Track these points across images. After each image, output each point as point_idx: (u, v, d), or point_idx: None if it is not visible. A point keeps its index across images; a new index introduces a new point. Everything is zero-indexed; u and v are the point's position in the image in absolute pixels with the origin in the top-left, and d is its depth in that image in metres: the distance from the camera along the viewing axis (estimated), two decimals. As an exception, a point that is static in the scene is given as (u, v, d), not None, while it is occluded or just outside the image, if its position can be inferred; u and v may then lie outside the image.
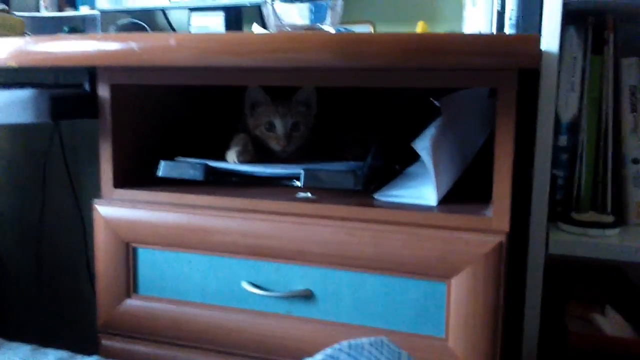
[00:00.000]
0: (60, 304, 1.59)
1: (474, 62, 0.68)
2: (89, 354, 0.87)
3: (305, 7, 0.86)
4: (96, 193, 1.01)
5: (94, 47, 0.78)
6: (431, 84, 0.80)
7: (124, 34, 0.77)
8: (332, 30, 0.86)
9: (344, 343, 0.59)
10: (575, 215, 1.04)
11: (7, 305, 1.59)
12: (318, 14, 0.88)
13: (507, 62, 0.67)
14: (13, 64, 0.82)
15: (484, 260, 0.80)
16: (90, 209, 1.00)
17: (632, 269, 1.18)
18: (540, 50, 0.67)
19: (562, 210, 1.09)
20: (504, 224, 0.81)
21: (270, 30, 0.88)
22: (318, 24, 0.83)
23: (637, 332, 1.03)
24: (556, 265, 1.02)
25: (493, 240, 0.80)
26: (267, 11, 0.84)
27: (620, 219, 1.05)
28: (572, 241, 1.00)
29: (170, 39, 0.73)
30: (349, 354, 0.58)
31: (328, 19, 0.83)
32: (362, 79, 0.83)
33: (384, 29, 1.32)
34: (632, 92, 1.06)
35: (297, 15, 0.88)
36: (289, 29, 0.81)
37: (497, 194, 0.81)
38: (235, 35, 0.72)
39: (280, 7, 0.86)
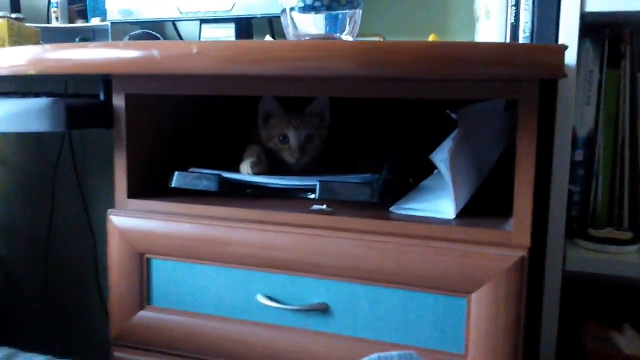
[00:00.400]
0: (69, 315, 1.58)
1: (498, 72, 0.67)
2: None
3: (321, 18, 0.86)
4: (106, 203, 1.00)
5: (114, 55, 0.78)
6: (452, 95, 0.79)
7: (145, 42, 0.77)
8: (352, 40, 0.86)
9: (374, 356, 0.58)
10: (593, 232, 1.03)
11: (16, 316, 1.58)
12: (333, 24, 0.87)
13: (532, 73, 0.67)
14: (32, 71, 0.82)
15: (505, 276, 0.79)
16: (99, 218, 0.99)
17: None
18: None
19: (578, 226, 1.08)
20: (525, 239, 0.80)
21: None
22: (337, 34, 0.82)
23: (655, 350, 1.02)
24: (570, 282, 1.01)
25: (514, 255, 0.78)
26: (285, 21, 0.84)
27: (638, 235, 1.04)
28: (590, 258, 0.98)
29: (193, 47, 0.73)
30: (378, 367, 0.56)
31: (347, 29, 0.82)
32: (381, 90, 0.82)
33: (395, 42, 1.31)
34: (649, 106, 1.05)
35: (312, 26, 0.87)
36: (308, 39, 0.81)
37: (518, 208, 0.80)
38: (258, 43, 0.72)
39: (298, 17, 0.85)
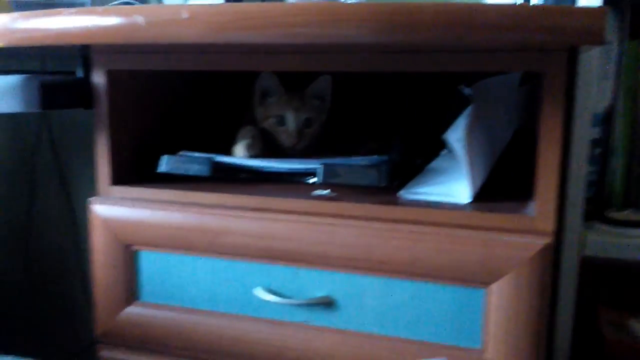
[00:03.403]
0: (51, 310, 1.49)
1: (537, 37, 0.59)
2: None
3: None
4: (89, 191, 0.92)
5: (92, 22, 0.69)
6: (473, 67, 0.72)
7: (127, 7, 0.68)
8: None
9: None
10: (612, 214, 0.97)
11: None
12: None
13: (571, 40, 0.59)
14: (0, 43, 0.73)
15: (529, 265, 0.72)
16: (83, 208, 0.90)
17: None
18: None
19: (593, 209, 1.02)
20: (550, 224, 0.73)
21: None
22: (342, -2, 0.74)
23: (676, 339, 0.96)
24: (583, 267, 0.95)
25: (539, 243, 0.72)
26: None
27: (658, 218, 0.98)
28: (610, 242, 0.93)
29: (183, 11, 0.64)
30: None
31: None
32: (395, 63, 0.74)
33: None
34: (672, 80, 0.99)
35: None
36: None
37: (542, 191, 0.74)
38: (257, 6, 0.63)
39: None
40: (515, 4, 0.80)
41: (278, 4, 0.63)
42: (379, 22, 0.59)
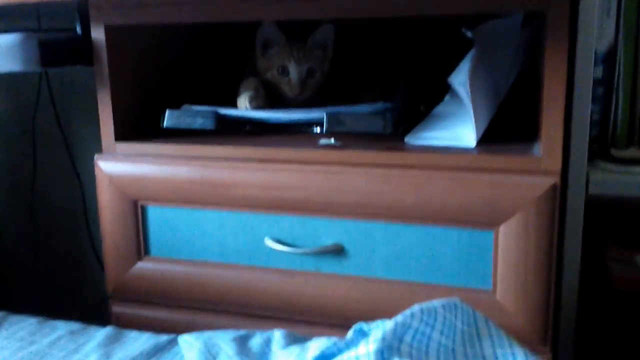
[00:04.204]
0: (61, 270, 1.51)
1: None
2: (95, 322, 0.79)
3: None
4: (93, 149, 0.92)
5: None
6: (474, 8, 0.71)
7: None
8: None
9: (415, 307, 0.52)
10: (616, 152, 0.97)
11: (3, 273, 1.51)
12: None
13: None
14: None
15: (536, 205, 0.73)
16: (86, 166, 0.90)
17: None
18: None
19: (597, 148, 1.02)
20: (556, 164, 0.74)
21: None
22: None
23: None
24: (589, 206, 0.96)
25: (546, 182, 0.73)
26: None
27: (662, 155, 0.99)
28: (615, 180, 0.93)
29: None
30: (421, 319, 0.51)
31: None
32: (396, 8, 0.74)
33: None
34: (676, 16, 0.97)
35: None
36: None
37: (548, 131, 0.74)
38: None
39: None
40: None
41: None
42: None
